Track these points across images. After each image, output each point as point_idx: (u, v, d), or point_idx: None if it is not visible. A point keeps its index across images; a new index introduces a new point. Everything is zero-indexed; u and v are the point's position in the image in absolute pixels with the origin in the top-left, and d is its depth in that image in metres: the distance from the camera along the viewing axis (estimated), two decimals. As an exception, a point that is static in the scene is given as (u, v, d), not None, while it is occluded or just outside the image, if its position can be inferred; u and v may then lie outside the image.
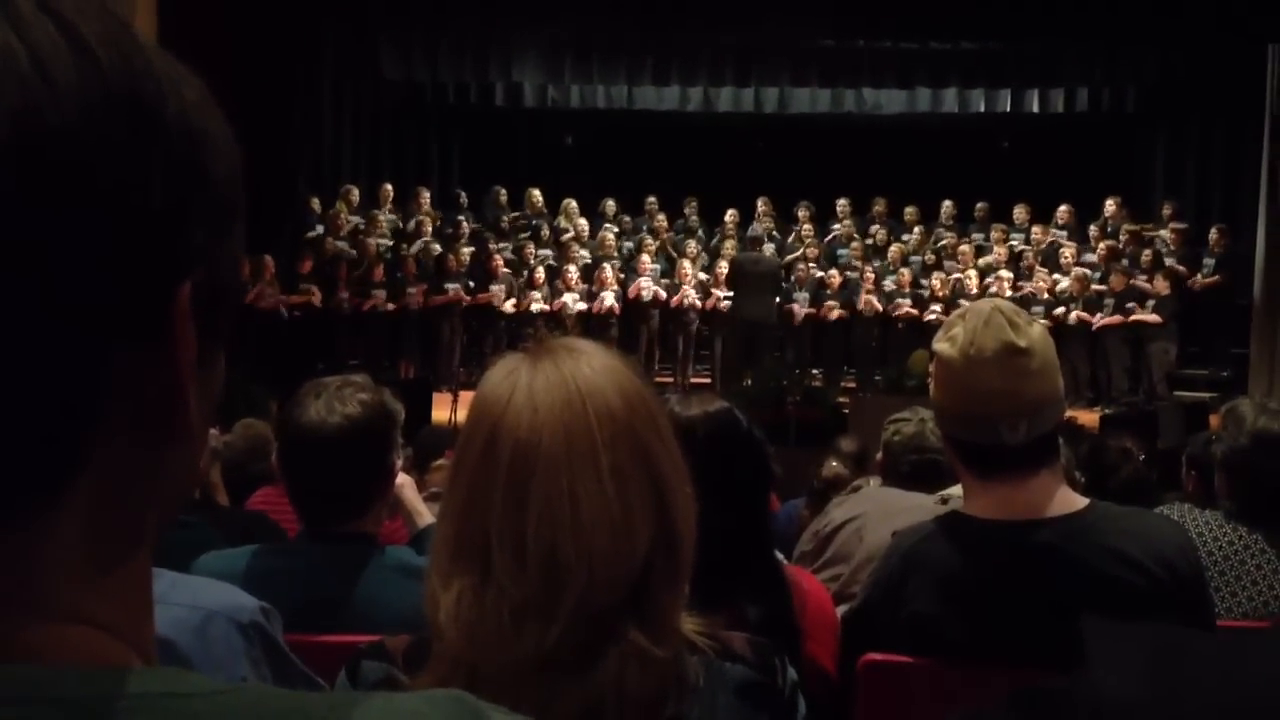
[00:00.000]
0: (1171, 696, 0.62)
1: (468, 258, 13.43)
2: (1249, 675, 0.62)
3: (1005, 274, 13.14)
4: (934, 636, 2.10)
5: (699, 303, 13.31)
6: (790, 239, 14.31)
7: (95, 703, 0.51)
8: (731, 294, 12.82)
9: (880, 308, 13.22)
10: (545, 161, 15.67)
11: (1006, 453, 2.07)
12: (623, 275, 13.51)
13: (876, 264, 13.80)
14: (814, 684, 1.96)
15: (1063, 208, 14.09)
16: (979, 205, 14.56)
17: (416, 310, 13.12)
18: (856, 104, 15.38)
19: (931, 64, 14.82)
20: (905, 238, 14.31)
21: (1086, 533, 2.06)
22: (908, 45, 14.48)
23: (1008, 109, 15.31)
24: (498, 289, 13.20)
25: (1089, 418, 10.78)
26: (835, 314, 13.31)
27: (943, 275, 13.29)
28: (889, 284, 13.42)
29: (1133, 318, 12.48)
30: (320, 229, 13.63)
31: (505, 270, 13.39)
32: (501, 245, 13.88)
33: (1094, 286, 12.87)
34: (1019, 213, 14.27)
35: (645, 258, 13.52)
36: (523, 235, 14.25)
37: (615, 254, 13.79)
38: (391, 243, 13.77)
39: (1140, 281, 12.67)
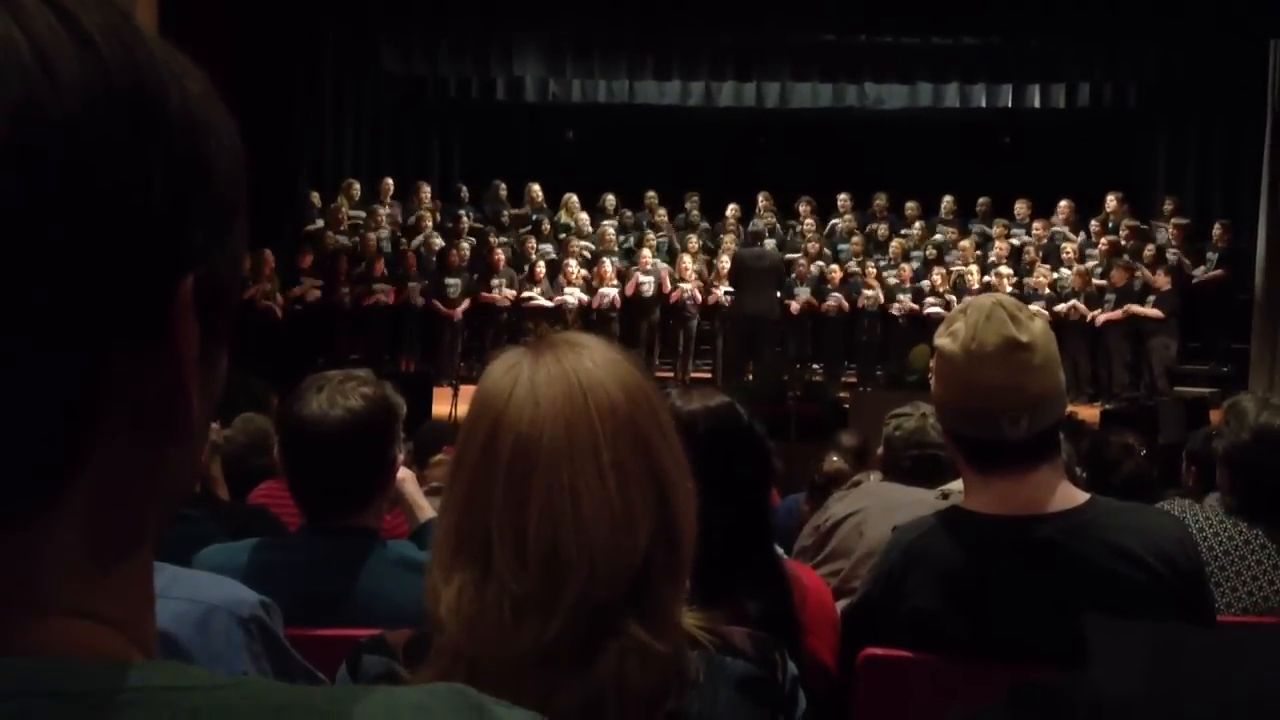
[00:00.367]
0: (1171, 693, 0.62)
1: (468, 252, 13.43)
2: (1248, 672, 0.62)
3: (1006, 269, 13.14)
4: (934, 632, 2.10)
5: (699, 296, 13.30)
6: (791, 235, 14.30)
7: (95, 696, 0.51)
8: (733, 289, 12.82)
9: (881, 302, 13.21)
10: (546, 156, 15.66)
11: (1007, 448, 2.07)
12: (624, 269, 13.51)
13: (878, 259, 13.79)
14: (814, 679, 1.96)
15: (1063, 203, 14.09)
16: (980, 200, 14.55)
17: (418, 304, 13.12)
18: (858, 99, 15.37)
19: (933, 59, 14.81)
20: (906, 233, 14.30)
21: (1087, 528, 2.06)
22: (909, 40, 14.46)
23: (1009, 104, 15.30)
24: (499, 283, 13.20)
25: (1090, 413, 10.78)
26: (836, 309, 13.29)
27: (944, 270, 13.28)
28: (890, 279, 13.41)
29: (1133, 310, 12.47)
30: (320, 223, 13.62)
31: (506, 265, 13.38)
32: (502, 240, 13.88)
33: (1095, 282, 12.87)
34: (1020, 208, 14.26)
35: (646, 252, 13.51)
36: (523, 230, 14.25)
37: (615, 249, 13.78)
38: (391, 236, 13.76)
39: (1143, 273, 12.65)
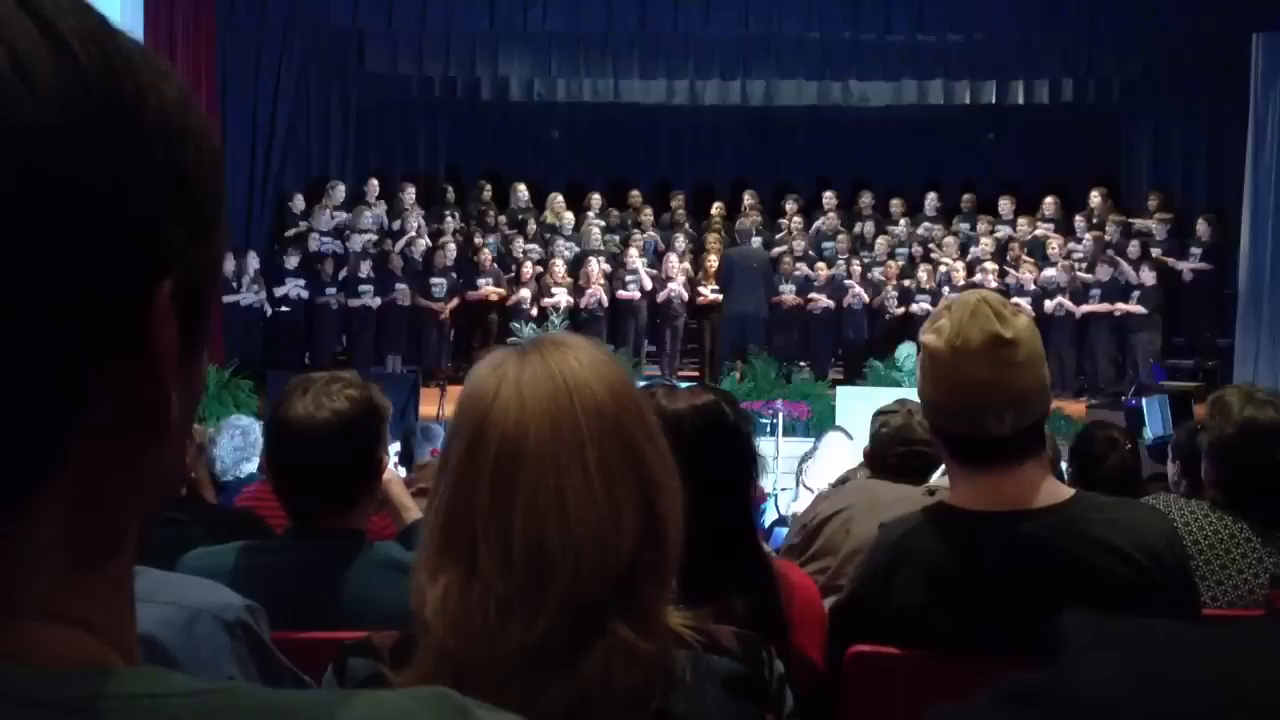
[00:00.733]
0: (1154, 689, 0.62)
1: (454, 253, 13.41)
2: (1231, 667, 0.63)
3: (991, 265, 13.17)
4: (921, 628, 2.10)
5: (685, 295, 13.30)
6: (779, 233, 14.30)
7: (75, 703, 0.51)
8: (722, 288, 12.82)
9: (868, 299, 13.23)
10: (531, 155, 15.64)
11: (993, 444, 2.08)
12: (609, 269, 13.50)
13: (864, 256, 13.80)
14: (801, 676, 1.96)
15: (1049, 199, 14.12)
16: (965, 197, 14.58)
17: (403, 306, 13.10)
18: (843, 96, 15.37)
19: (917, 56, 14.82)
20: (891, 229, 14.32)
21: (1072, 523, 2.07)
22: (893, 38, 14.48)
23: (993, 100, 15.32)
24: (484, 283, 13.17)
25: (1076, 408, 10.82)
26: (822, 307, 13.30)
27: (929, 267, 13.30)
28: (876, 276, 13.43)
29: (1118, 307, 12.51)
30: (304, 225, 13.58)
31: (492, 265, 13.36)
32: (488, 240, 13.85)
33: (1081, 277, 12.90)
34: (1004, 204, 14.28)
35: (633, 252, 13.50)
36: (509, 230, 14.23)
37: (601, 249, 13.77)
38: (377, 237, 13.73)
39: (1127, 271, 12.70)
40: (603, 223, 14.37)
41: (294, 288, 12.87)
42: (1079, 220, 13.79)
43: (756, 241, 13.45)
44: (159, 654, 1.57)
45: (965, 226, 14.26)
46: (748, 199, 14.63)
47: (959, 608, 2.08)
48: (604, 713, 1.17)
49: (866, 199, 14.70)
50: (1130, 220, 13.76)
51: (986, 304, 2.09)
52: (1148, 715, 0.62)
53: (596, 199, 14.67)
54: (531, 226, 14.21)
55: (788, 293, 13.29)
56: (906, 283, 13.27)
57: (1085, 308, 12.67)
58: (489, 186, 14.75)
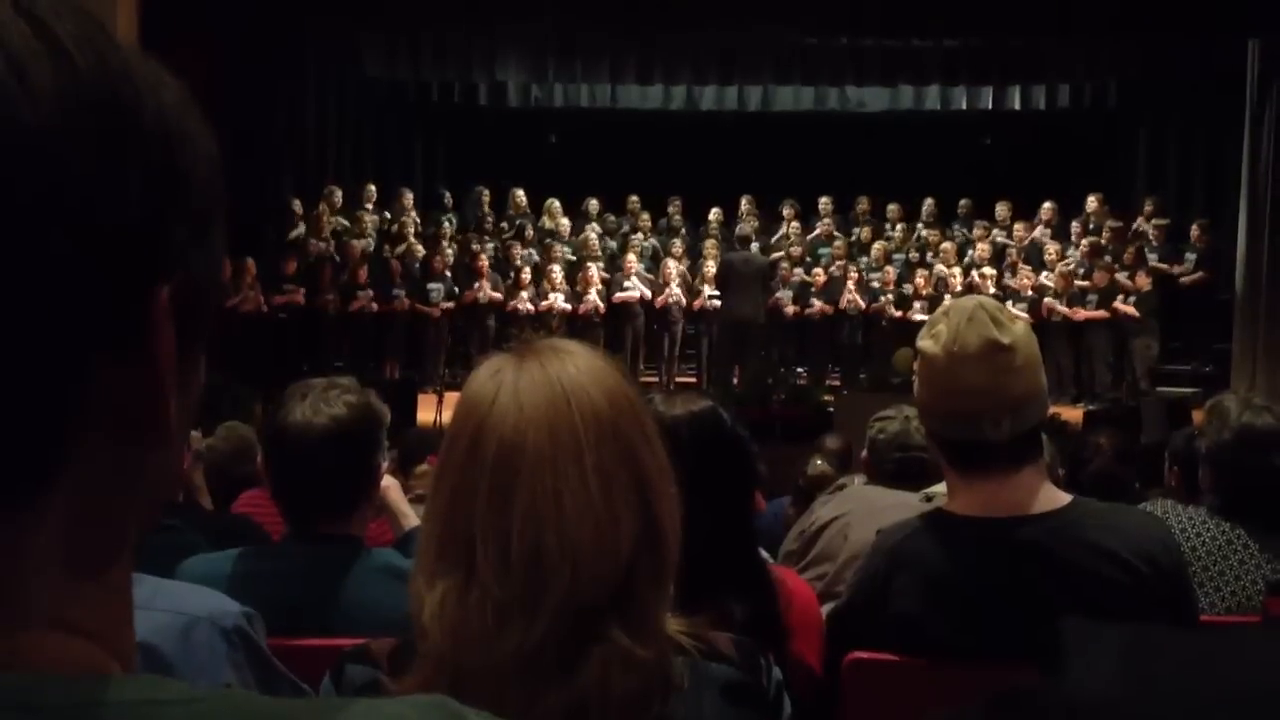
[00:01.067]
0: (1145, 696, 0.62)
1: (452, 258, 13.41)
2: (1224, 673, 0.63)
3: (989, 270, 13.18)
4: (919, 634, 2.10)
5: (684, 300, 13.32)
6: (776, 238, 14.32)
7: (72, 710, 0.50)
8: (721, 293, 12.83)
9: (864, 305, 13.24)
10: (529, 161, 15.64)
11: (990, 449, 2.08)
12: (607, 275, 13.51)
13: (861, 261, 13.81)
14: (799, 683, 1.96)
15: (1046, 205, 14.14)
16: (962, 202, 14.60)
17: (401, 311, 13.10)
18: (840, 102, 15.40)
19: (914, 61, 14.83)
20: (889, 235, 14.34)
21: (1069, 529, 2.07)
22: (890, 43, 14.48)
23: (990, 106, 15.35)
24: (481, 285, 13.16)
25: (1073, 414, 10.82)
26: (820, 312, 13.31)
27: (926, 273, 13.31)
28: (873, 282, 13.44)
29: (1114, 307, 12.52)
30: (302, 229, 13.58)
31: (491, 270, 13.37)
32: (486, 245, 13.86)
33: (1077, 283, 12.91)
34: (1001, 210, 14.30)
35: (631, 257, 13.51)
36: (507, 235, 14.23)
37: (599, 253, 13.78)
38: (375, 243, 13.74)
39: (1123, 278, 12.71)
40: (600, 228, 14.38)
41: (292, 293, 12.86)
42: (1075, 226, 13.81)
43: (755, 246, 13.47)
44: (156, 661, 1.57)
45: (962, 232, 14.28)
46: (745, 204, 14.64)
47: (957, 613, 2.08)
48: (602, 719, 1.17)
49: (863, 205, 14.72)
50: (1126, 226, 13.78)
51: (983, 309, 2.09)
52: None
53: (594, 204, 14.69)
54: (529, 232, 14.22)
55: (785, 299, 13.29)
56: (904, 288, 13.29)
57: (1083, 313, 12.68)
58: (487, 192, 14.76)
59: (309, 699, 1.02)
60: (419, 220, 14.25)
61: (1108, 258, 13.02)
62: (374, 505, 2.52)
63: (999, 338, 2.05)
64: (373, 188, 14.30)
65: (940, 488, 2.51)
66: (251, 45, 12.56)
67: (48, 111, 0.50)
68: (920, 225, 14.47)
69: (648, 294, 13.27)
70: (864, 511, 3.04)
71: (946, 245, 13.77)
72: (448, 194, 14.91)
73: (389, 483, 2.68)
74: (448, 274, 13.24)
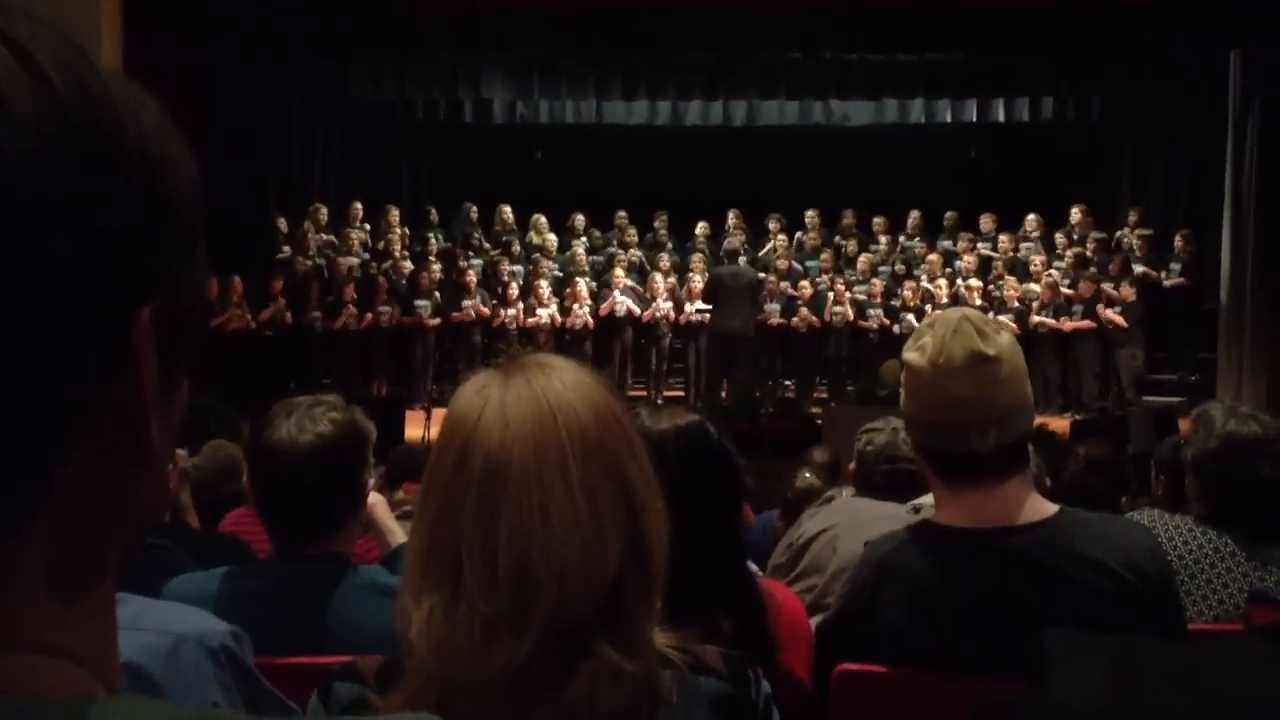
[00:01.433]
0: (1130, 707, 0.62)
1: (439, 275, 13.41)
2: (1206, 683, 0.63)
3: (974, 282, 13.22)
4: (907, 646, 2.11)
5: (671, 314, 13.33)
6: (764, 251, 14.34)
7: None
8: (709, 307, 12.84)
9: (851, 318, 13.26)
10: (515, 177, 15.65)
11: (976, 460, 2.08)
12: (594, 288, 13.51)
13: (847, 274, 13.84)
14: (788, 695, 1.96)
15: (1031, 217, 14.20)
16: (947, 214, 14.65)
17: (388, 328, 13.09)
18: (824, 116, 15.44)
19: (898, 75, 14.89)
20: (874, 247, 14.38)
21: (1057, 539, 2.07)
22: (874, 57, 14.54)
23: (974, 119, 15.40)
24: (470, 304, 13.16)
25: (1060, 424, 10.85)
26: (806, 325, 13.32)
27: (913, 285, 13.34)
28: (860, 294, 13.47)
29: (1099, 314, 12.55)
30: (287, 250, 13.56)
31: (478, 287, 13.36)
32: (473, 261, 13.86)
33: (1063, 293, 12.96)
34: (985, 222, 14.36)
35: (619, 272, 13.52)
36: (494, 251, 14.24)
37: (586, 269, 13.79)
38: (361, 260, 13.72)
39: (1108, 288, 12.76)
40: (586, 242, 14.40)
41: (278, 311, 12.83)
42: (1059, 238, 13.87)
43: (743, 260, 13.48)
44: (143, 681, 1.56)
45: (948, 244, 14.33)
46: (732, 218, 14.66)
47: (945, 625, 2.08)
48: (590, 734, 1.17)
49: (849, 218, 14.76)
50: (1110, 237, 13.84)
51: (969, 321, 2.10)
52: None
53: (580, 219, 14.70)
54: (516, 248, 14.23)
55: (772, 312, 13.31)
56: (891, 301, 13.32)
57: (1070, 324, 12.72)
58: (474, 208, 14.76)
59: (298, 717, 1.02)
60: (406, 237, 14.24)
61: (1093, 269, 13.07)
62: (360, 522, 2.51)
63: (984, 349, 2.06)
64: (359, 205, 14.29)
65: (928, 499, 2.51)
66: (237, 64, 12.55)
67: (28, 136, 0.50)
68: (905, 238, 14.51)
69: (635, 309, 13.27)
70: (852, 523, 3.04)
71: (932, 257, 13.81)
72: (434, 211, 14.91)
73: (376, 499, 2.67)
74: (435, 292, 13.23)
